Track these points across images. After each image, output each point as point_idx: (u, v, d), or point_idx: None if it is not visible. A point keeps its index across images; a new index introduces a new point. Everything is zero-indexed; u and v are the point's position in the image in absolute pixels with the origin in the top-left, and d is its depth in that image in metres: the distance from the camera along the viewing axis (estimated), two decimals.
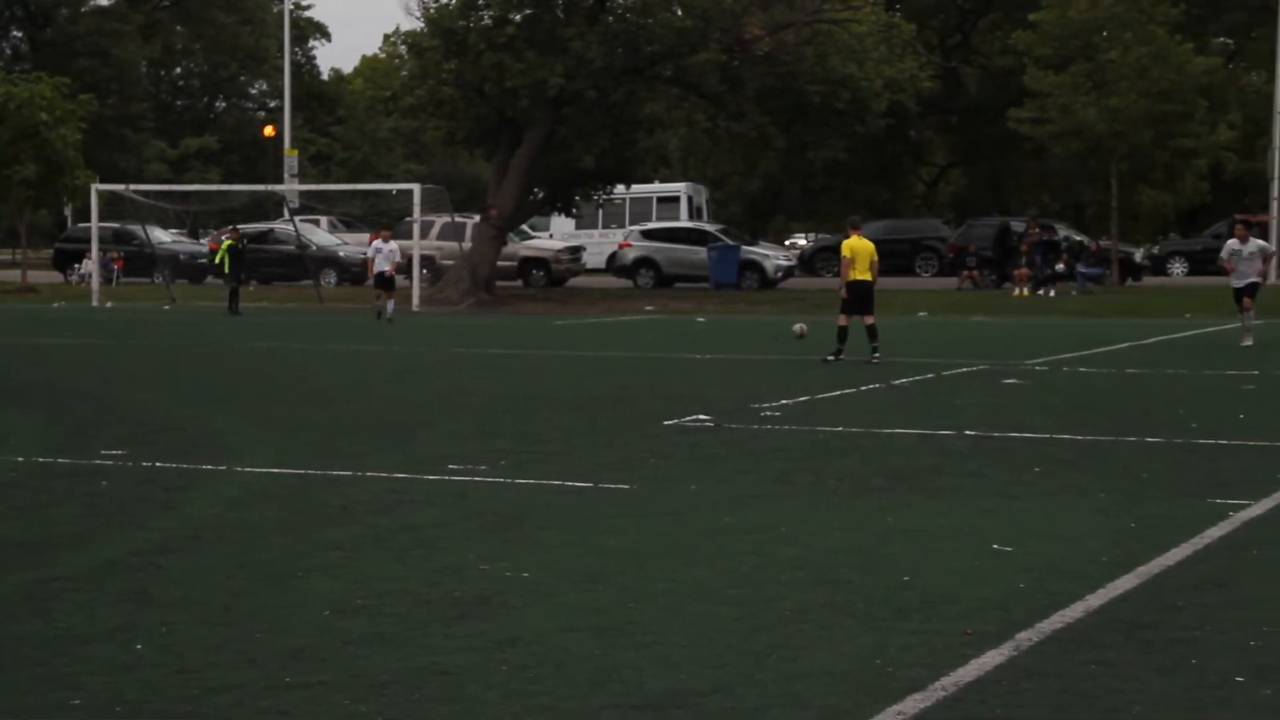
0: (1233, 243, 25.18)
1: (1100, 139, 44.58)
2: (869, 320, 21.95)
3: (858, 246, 22.18)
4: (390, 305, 33.03)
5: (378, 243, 33.85)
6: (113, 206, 47.21)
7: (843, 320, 22.11)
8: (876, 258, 22.37)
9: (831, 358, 21.76)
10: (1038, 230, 45.01)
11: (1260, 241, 25.43)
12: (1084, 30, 45.38)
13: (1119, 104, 44.04)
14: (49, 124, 46.31)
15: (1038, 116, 46.18)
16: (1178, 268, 55.09)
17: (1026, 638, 7.04)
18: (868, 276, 22.04)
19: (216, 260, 38.02)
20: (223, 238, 49.47)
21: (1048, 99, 45.56)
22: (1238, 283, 24.93)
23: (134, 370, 22.00)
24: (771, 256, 49.85)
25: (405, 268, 42.15)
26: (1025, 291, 42.46)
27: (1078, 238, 47.76)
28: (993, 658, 6.72)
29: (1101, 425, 14.71)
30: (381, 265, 33.18)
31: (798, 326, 26.24)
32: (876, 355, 21.60)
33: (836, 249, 53.94)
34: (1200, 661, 6.68)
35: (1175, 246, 57.94)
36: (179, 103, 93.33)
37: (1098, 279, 43.88)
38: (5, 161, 46.20)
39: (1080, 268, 43.54)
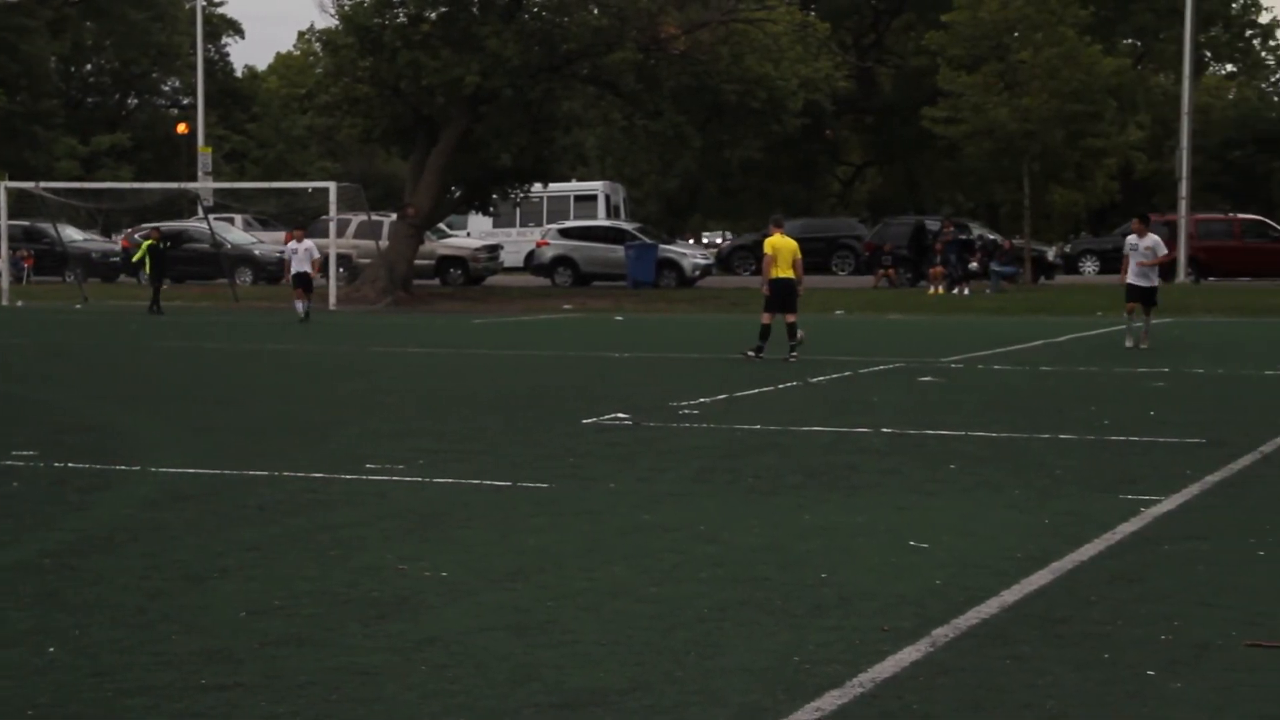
0: (1131, 238, 24.53)
1: (1012, 138, 45.04)
2: (790, 319, 22.06)
3: (780, 245, 22.30)
4: (304, 304, 32.70)
5: (293, 243, 33.54)
6: (22, 204, 46.57)
7: (766, 318, 22.22)
8: (800, 255, 22.49)
9: (753, 354, 21.86)
10: (952, 229, 45.39)
11: (1155, 237, 24.34)
12: (995, 31, 45.83)
13: (1030, 104, 44.51)
14: None
15: (951, 116, 46.60)
16: (1089, 266, 55.75)
17: (943, 634, 7.10)
18: (790, 274, 22.15)
19: (135, 259, 37.55)
20: (136, 236, 48.95)
21: (960, 99, 45.99)
22: (1137, 281, 23.82)
23: (45, 370, 21.73)
24: (689, 255, 49.97)
25: (323, 266, 41.93)
26: (940, 290, 42.80)
27: (991, 236, 48.18)
28: (909, 654, 6.78)
29: (1015, 422, 14.86)
30: (301, 265, 32.86)
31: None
32: (794, 355, 21.71)
33: (754, 247, 54.41)
34: (1113, 656, 6.77)
35: (1087, 245, 58.63)
36: (90, 99, 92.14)
37: (1011, 277, 44.30)
38: None
39: (994, 266, 43.95)
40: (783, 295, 22.14)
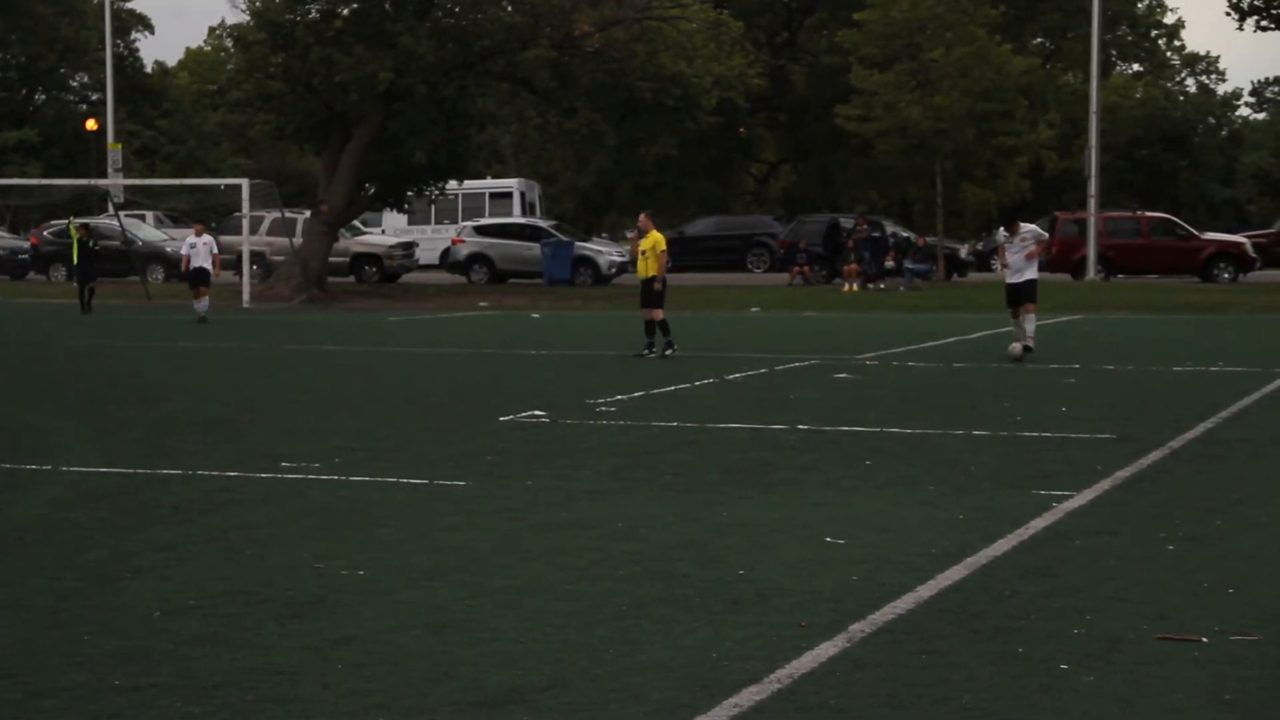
0: (1002, 232, 23.04)
1: (925, 137, 45.40)
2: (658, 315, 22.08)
3: (660, 241, 22.53)
4: (204, 302, 31.89)
5: (192, 237, 32.69)
6: None
7: (660, 315, 22.13)
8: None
9: (671, 351, 21.93)
10: (865, 227, 45.67)
11: (1032, 227, 22.49)
12: (907, 30, 46.15)
13: (942, 103, 44.88)
14: None
15: (864, 114, 46.89)
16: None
17: (859, 629, 7.15)
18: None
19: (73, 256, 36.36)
20: (46, 234, 48.31)
21: (873, 97, 46.29)
22: (1013, 279, 21.91)
23: None
24: (605, 252, 49.97)
25: (233, 263, 41.57)
26: (855, 287, 43.05)
27: (905, 234, 48.56)
28: (826, 649, 6.82)
29: (930, 418, 14.98)
30: (201, 260, 31.97)
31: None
32: (650, 353, 21.79)
33: (668, 245, 54.49)
34: (1026, 650, 6.84)
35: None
36: None
37: (924, 275, 44.65)
38: None
39: (907, 264, 44.29)
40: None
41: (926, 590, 7.91)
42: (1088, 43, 52.55)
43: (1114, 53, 76.57)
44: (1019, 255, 21.82)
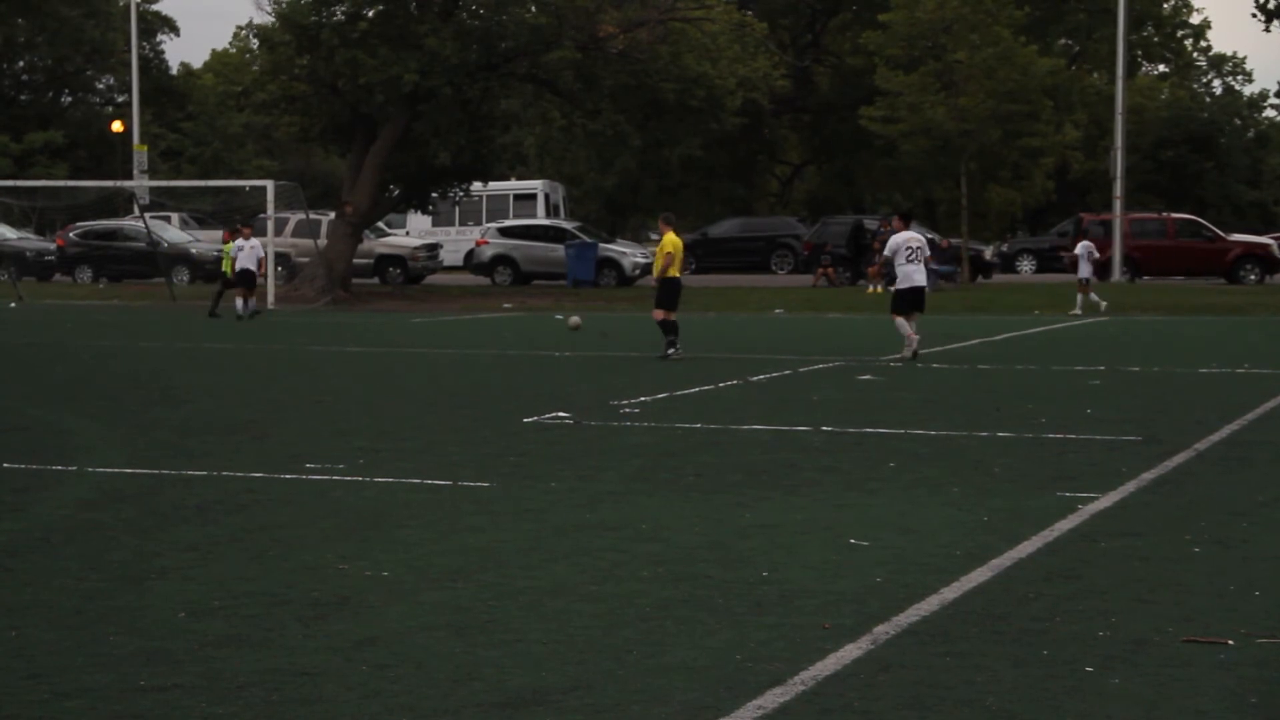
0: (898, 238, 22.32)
1: (949, 138, 45.28)
2: (673, 317, 22.16)
3: (678, 244, 22.56)
4: (252, 303, 32.77)
5: (240, 240, 33.29)
6: None
7: (669, 315, 22.10)
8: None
9: (674, 352, 21.92)
10: (889, 228, 45.52)
11: (915, 235, 22.33)
12: (931, 31, 46.05)
13: (967, 104, 44.76)
14: None
15: (888, 116, 46.79)
16: (1026, 265, 56.18)
17: (883, 631, 7.14)
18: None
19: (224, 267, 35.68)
20: (70, 234, 48.47)
21: (898, 98, 46.18)
22: (907, 285, 21.99)
23: None
24: (629, 254, 49.99)
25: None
26: (879, 288, 42.97)
27: (929, 235, 48.42)
28: (851, 651, 6.81)
29: (954, 420, 14.94)
30: (247, 263, 32.74)
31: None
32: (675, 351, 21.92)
33: (693, 246, 54.44)
34: (1051, 652, 6.82)
35: (1023, 244, 59.08)
36: (22, 97, 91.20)
37: (949, 276, 44.56)
38: None
39: (932, 265, 44.08)
40: (678, 293, 22.25)
41: (951, 592, 7.89)
42: (1113, 43, 52.42)
43: (1139, 54, 76.35)
44: (915, 265, 21.98)
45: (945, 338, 26.30)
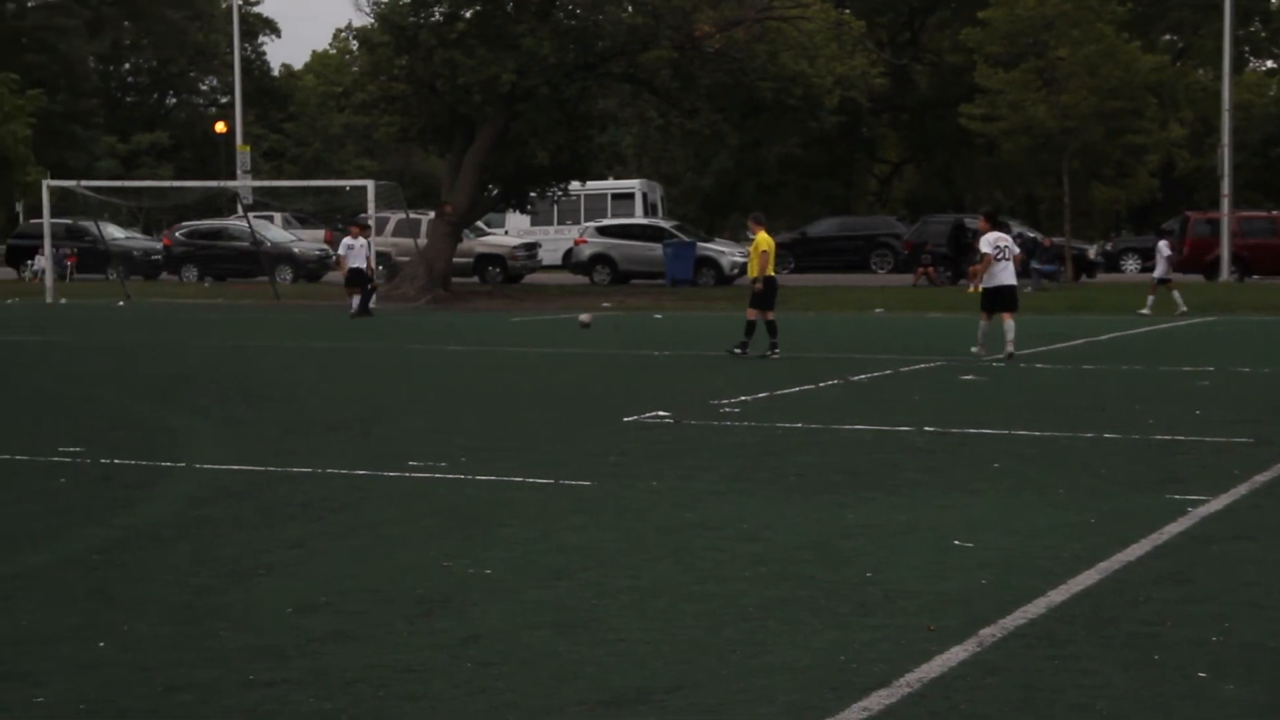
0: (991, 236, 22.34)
1: (1051, 135, 44.84)
2: (771, 315, 22.41)
3: (771, 243, 22.75)
4: (360, 301, 33.33)
5: (349, 239, 33.94)
6: (64, 203, 46.82)
7: (769, 315, 22.28)
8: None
9: (743, 351, 22.00)
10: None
11: (1003, 235, 22.48)
12: (1032, 28, 45.63)
13: (1069, 101, 44.31)
14: None
15: (989, 114, 46.42)
16: (1131, 264, 55.51)
17: (989, 633, 7.07)
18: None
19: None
20: (176, 234, 49.15)
21: (998, 96, 45.80)
22: (994, 284, 22.12)
23: (90, 367, 21.84)
24: (727, 253, 49.91)
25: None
26: (980, 288, 42.59)
27: (1031, 234, 47.98)
28: (956, 653, 6.75)
29: (1059, 421, 14.78)
30: (357, 262, 33.45)
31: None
32: (777, 352, 22.00)
33: (792, 245, 54.33)
34: (1163, 656, 6.72)
35: (1128, 243, 58.35)
36: (129, 99, 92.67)
37: (1052, 275, 44.12)
38: None
39: (1034, 264, 43.74)
40: (774, 292, 22.54)
41: (1058, 594, 7.80)
42: (1219, 39, 51.62)
43: (1247, 49, 75.14)
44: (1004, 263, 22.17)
45: (1049, 337, 26.03)
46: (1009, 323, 21.89)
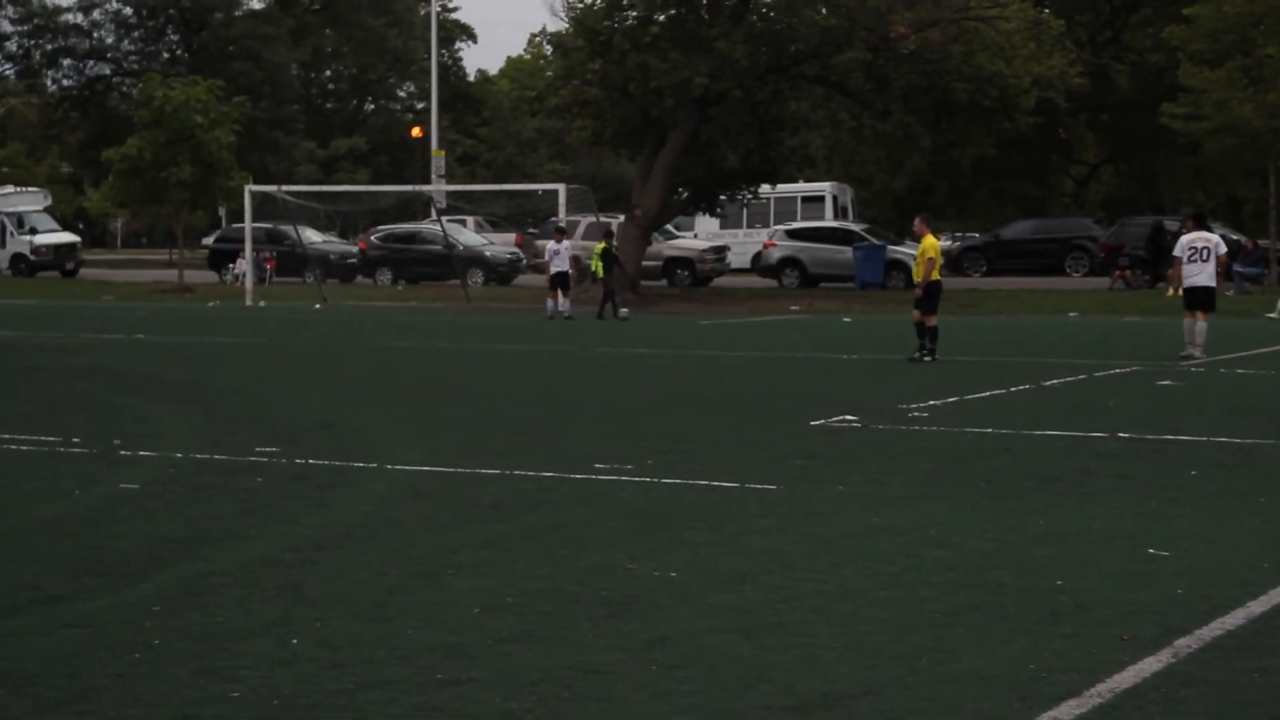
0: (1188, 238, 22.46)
1: (1257, 135, 43.60)
2: (933, 320, 22.18)
3: (938, 247, 22.64)
4: (565, 304, 34.18)
5: (553, 244, 35.13)
6: (265, 207, 47.98)
7: (931, 319, 22.04)
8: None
9: (929, 357, 21.71)
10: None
11: (1203, 235, 22.29)
12: (1240, 25, 44.40)
13: (1278, 100, 43.04)
14: (204, 126, 47.19)
15: (1192, 113, 45.29)
16: None
17: (1185, 644, 6.90)
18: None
19: (592, 267, 36.72)
20: (372, 237, 50.06)
21: (1202, 95, 44.66)
22: (1189, 285, 22.21)
23: (286, 368, 22.36)
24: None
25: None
26: (1179, 292, 41.63)
27: (1234, 236, 46.72)
28: (1150, 664, 6.60)
29: (1262, 428, 14.37)
30: (561, 265, 34.57)
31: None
32: (928, 356, 21.81)
33: (984, 249, 53.55)
34: None
35: None
36: (328, 105, 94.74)
37: (1255, 278, 42.92)
38: (162, 164, 47.19)
39: (1237, 267, 42.55)
40: (938, 296, 22.53)
41: (1258, 606, 7.58)
42: None
43: None
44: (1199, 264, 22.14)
45: (1251, 342, 25.34)
46: (1201, 324, 21.89)
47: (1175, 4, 50.91)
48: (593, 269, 36.44)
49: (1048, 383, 18.89)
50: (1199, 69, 44.92)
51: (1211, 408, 16.29)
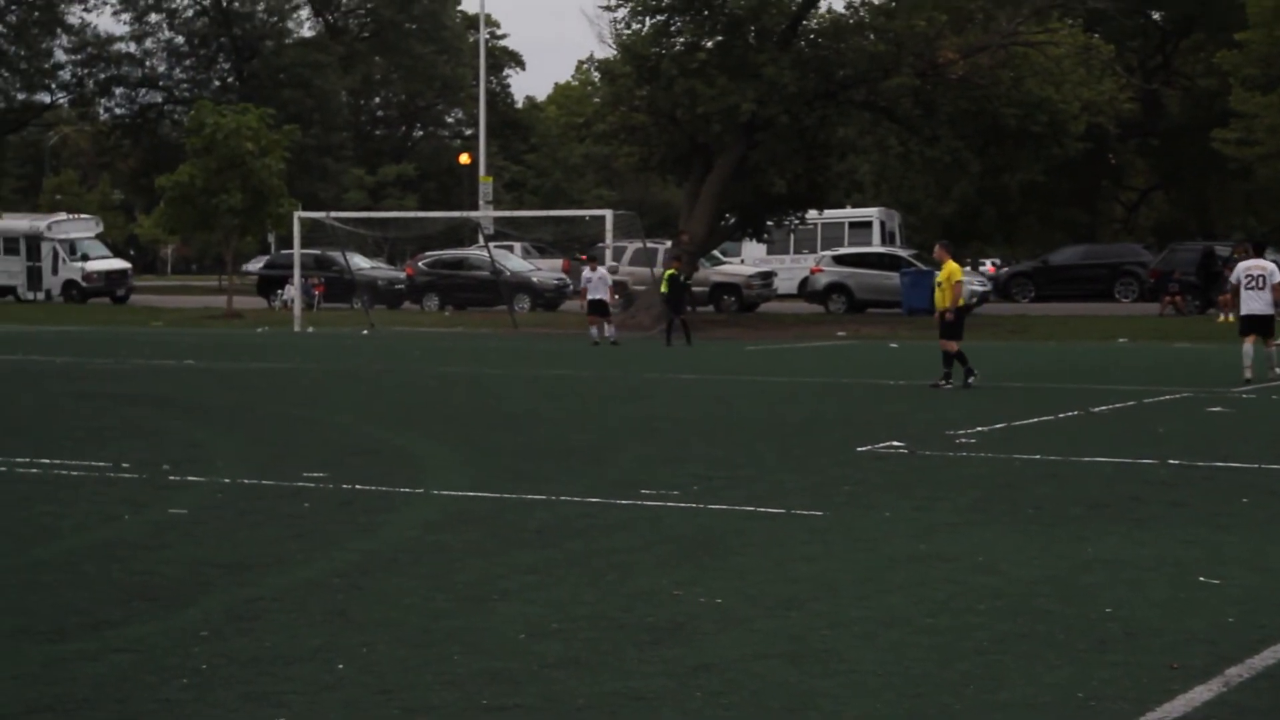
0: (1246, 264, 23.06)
1: None
2: (955, 346, 22.25)
3: (960, 272, 22.69)
4: (609, 329, 34.53)
5: (588, 271, 35.46)
6: (314, 233, 48.25)
7: (955, 346, 22.03)
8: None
9: (971, 380, 21.66)
10: (1245, 254, 43.79)
11: (1260, 263, 22.80)
12: None
13: None
14: (255, 153, 47.51)
15: (1244, 138, 45.06)
16: None
17: (1236, 673, 6.84)
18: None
19: (662, 289, 36.57)
20: (420, 263, 50.28)
21: (1254, 120, 44.43)
22: (1245, 312, 22.69)
23: (334, 394, 22.46)
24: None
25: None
26: (1230, 318, 41.34)
27: None
28: (1201, 693, 6.54)
29: None
30: (598, 293, 34.72)
31: None
32: (958, 381, 21.77)
33: (1033, 274, 53.31)
34: None
35: None
36: (377, 131, 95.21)
37: None
38: (213, 190, 47.52)
39: None
40: (963, 322, 22.70)
41: None
42: None
43: None
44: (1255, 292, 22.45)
45: None
46: (1270, 350, 22.45)
47: (1227, 29, 50.69)
48: (661, 289, 36.37)
49: (1096, 409, 18.78)
50: (1251, 94, 44.71)
51: (1262, 435, 16.16)
